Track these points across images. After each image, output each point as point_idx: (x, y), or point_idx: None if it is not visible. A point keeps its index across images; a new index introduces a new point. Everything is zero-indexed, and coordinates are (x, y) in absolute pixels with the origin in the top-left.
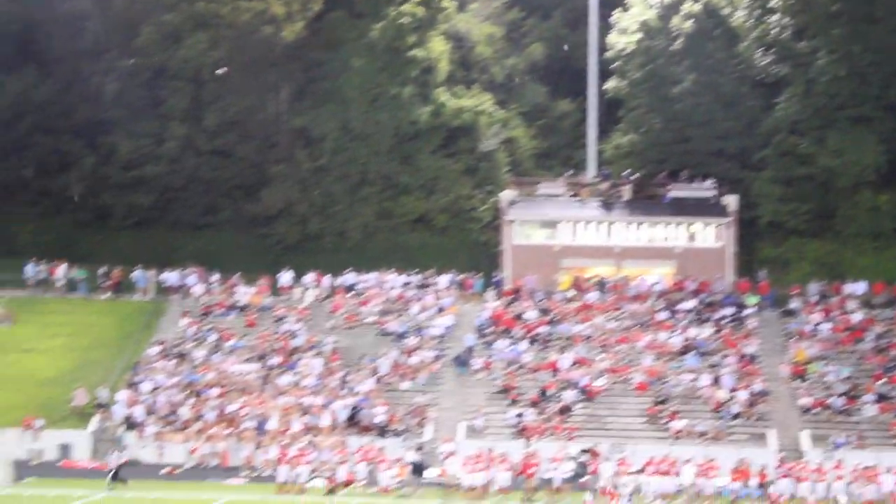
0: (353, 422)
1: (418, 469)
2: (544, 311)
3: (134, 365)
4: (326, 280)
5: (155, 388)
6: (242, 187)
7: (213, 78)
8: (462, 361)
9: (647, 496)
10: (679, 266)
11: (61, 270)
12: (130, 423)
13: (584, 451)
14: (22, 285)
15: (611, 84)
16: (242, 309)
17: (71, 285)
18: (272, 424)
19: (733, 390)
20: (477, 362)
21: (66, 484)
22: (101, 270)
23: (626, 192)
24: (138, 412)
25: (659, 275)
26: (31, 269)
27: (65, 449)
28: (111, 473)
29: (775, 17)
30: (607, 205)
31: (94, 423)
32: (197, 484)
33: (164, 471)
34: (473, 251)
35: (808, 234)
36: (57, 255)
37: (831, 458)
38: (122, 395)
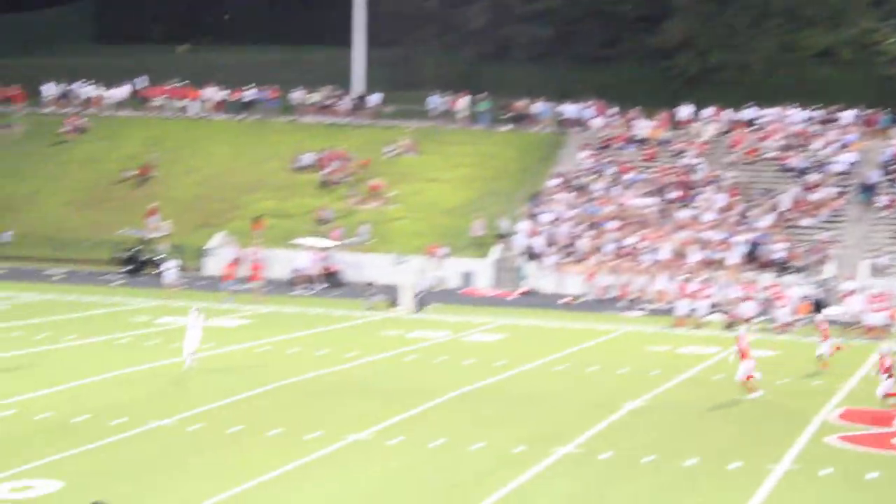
0: (752, 258)
1: (818, 306)
2: None
3: (533, 196)
4: (726, 114)
5: (554, 220)
6: (643, 19)
7: None
8: (866, 198)
9: None
10: None
11: (463, 102)
12: (530, 254)
13: None
14: (425, 116)
15: None
16: (641, 142)
17: (473, 117)
18: (670, 258)
19: None
20: (881, 199)
21: (467, 311)
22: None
23: None
24: (538, 243)
25: None
26: (434, 101)
27: (467, 277)
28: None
29: None
30: None
31: (496, 252)
32: (595, 315)
33: (562, 301)
34: (879, 86)
35: None
36: (459, 87)
37: None
38: (523, 225)
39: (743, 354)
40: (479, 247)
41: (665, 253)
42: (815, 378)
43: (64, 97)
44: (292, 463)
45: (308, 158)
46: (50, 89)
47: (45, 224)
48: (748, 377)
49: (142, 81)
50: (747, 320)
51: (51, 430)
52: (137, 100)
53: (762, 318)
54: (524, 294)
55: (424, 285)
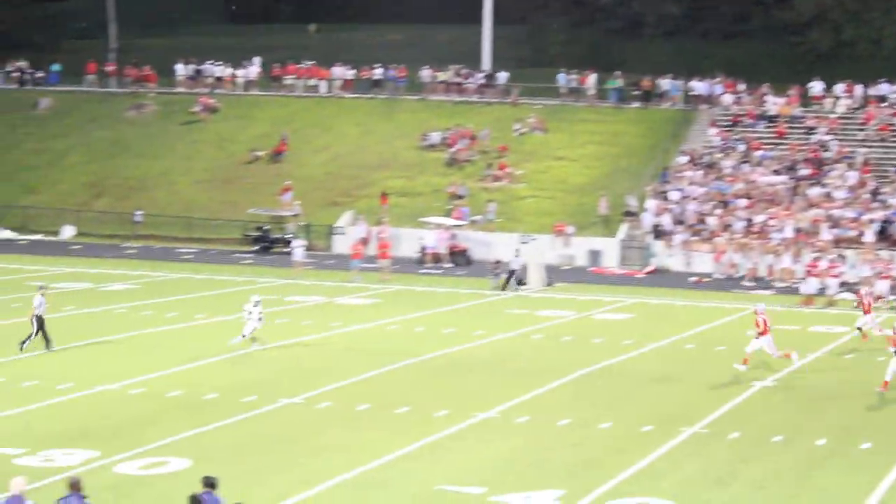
0: (885, 235)
1: None
2: None
3: (662, 173)
4: (859, 90)
5: (683, 198)
6: None
7: None
8: None
9: None
10: None
11: (592, 79)
12: (658, 232)
13: None
14: (554, 94)
15: None
16: (772, 119)
17: (601, 94)
18: (800, 236)
19: None
20: None
21: (595, 290)
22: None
23: None
24: (666, 221)
25: None
26: (562, 78)
27: (594, 255)
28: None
29: None
30: None
31: (623, 230)
32: (723, 294)
33: (691, 279)
34: None
35: None
36: (587, 64)
37: None
38: (651, 203)
39: (764, 330)
40: (607, 225)
41: (795, 231)
42: None
43: (194, 77)
44: (420, 441)
45: (435, 137)
46: (181, 69)
47: (176, 203)
48: (751, 354)
49: (256, 62)
50: (878, 298)
51: (181, 407)
52: (267, 79)
53: (894, 297)
54: (652, 273)
55: (518, 264)
